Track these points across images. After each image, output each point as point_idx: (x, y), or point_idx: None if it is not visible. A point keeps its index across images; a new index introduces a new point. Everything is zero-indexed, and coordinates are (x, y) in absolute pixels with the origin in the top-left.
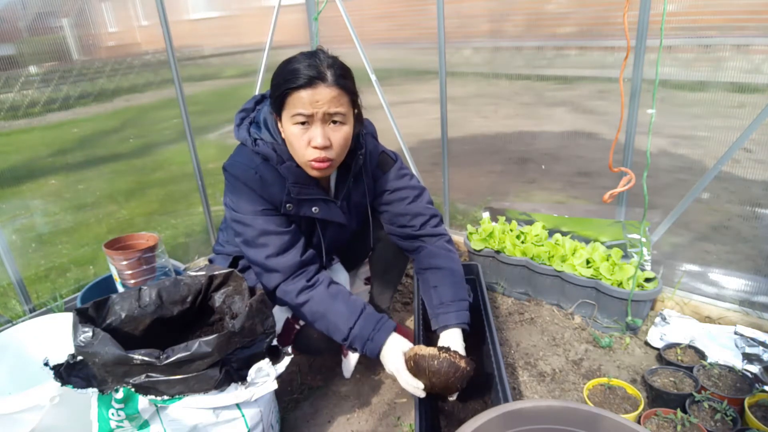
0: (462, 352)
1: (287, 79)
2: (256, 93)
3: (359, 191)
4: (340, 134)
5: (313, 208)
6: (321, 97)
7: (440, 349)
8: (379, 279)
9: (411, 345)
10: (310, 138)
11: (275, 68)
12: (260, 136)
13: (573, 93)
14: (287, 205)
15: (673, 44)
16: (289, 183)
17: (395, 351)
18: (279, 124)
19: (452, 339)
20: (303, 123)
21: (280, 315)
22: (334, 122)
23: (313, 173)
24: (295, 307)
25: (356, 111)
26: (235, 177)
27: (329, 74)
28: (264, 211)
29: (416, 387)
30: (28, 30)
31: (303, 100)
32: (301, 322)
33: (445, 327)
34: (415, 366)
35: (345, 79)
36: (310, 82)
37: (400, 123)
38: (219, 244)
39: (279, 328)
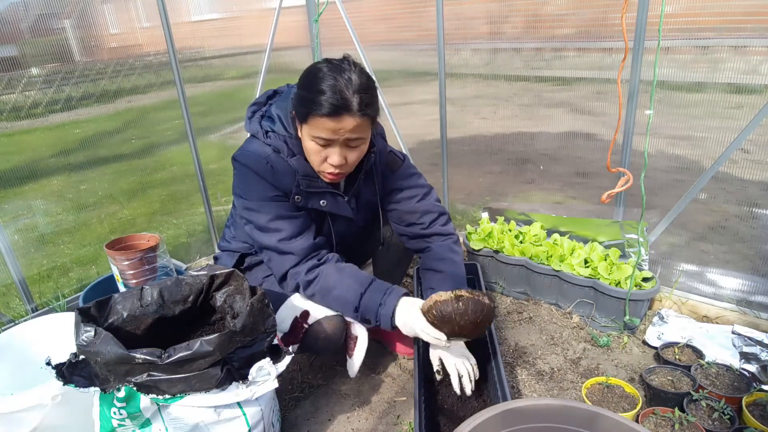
0: (452, 359)
1: (312, 101)
2: (257, 94)
3: (369, 189)
4: (356, 153)
5: (321, 201)
6: (344, 126)
7: (457, 295)
8: (382, 279)
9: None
10: (327, 155)
11: (276, 69)
12: (272, 129)
13: (571, 94)
14: (296, 197)
15: (670, 45)
16: (299, 175)
17: (411, 309)
18: (297, 124)
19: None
20: (322, 145)
21: (288, 314)
22: (352, 146)
23: (325, 180)
24: (305, 284)
25: (375, 122)
26: (245, 166)
27: (355, 103)
28: (275, 197)
29: (440, 338)
30: (30, 31)
31: (326, 127)
32: (309, 321)
33: None
34: (438, 314)
35: (368, 106)
36: (335, 113)
37: (400, 124)
38: (225, 240)
39: (287, 327)
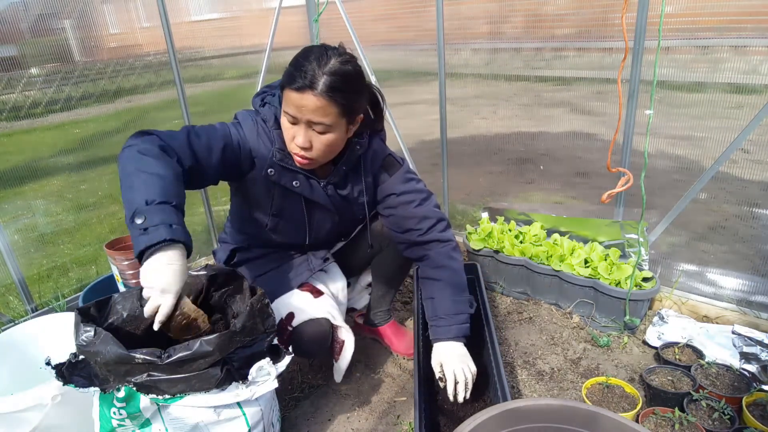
0: (452, 365)
1: (289, 75)
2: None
3: (356, 185)
4: (323, 140)
5: (294, 182)
6: (306, 104)
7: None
8: (382, 282)
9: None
10: (294, 134)
11: (276, 69)
12: (270, 102)
13: (571, 94)
14: (269, 170)
15: (670, 45)
16: (275, 147)
17: (176, 269)
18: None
19: (441, 352)
20: (291, 122)
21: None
22: (317, 130)
23: (296, 163)
24: (125, 148)
25: (353, 117)
26: (236, 117)
27: (320, 83)
28: (236, 140)
29: (159, 322)
30: (30, 31)
31: (292, 102)
32: (294, 323)
33: (436, 340)
34: (185, 323)
35: (337, 91)
36: (301, 88)
37: (400, 124)
38: (224, 232)
39: None
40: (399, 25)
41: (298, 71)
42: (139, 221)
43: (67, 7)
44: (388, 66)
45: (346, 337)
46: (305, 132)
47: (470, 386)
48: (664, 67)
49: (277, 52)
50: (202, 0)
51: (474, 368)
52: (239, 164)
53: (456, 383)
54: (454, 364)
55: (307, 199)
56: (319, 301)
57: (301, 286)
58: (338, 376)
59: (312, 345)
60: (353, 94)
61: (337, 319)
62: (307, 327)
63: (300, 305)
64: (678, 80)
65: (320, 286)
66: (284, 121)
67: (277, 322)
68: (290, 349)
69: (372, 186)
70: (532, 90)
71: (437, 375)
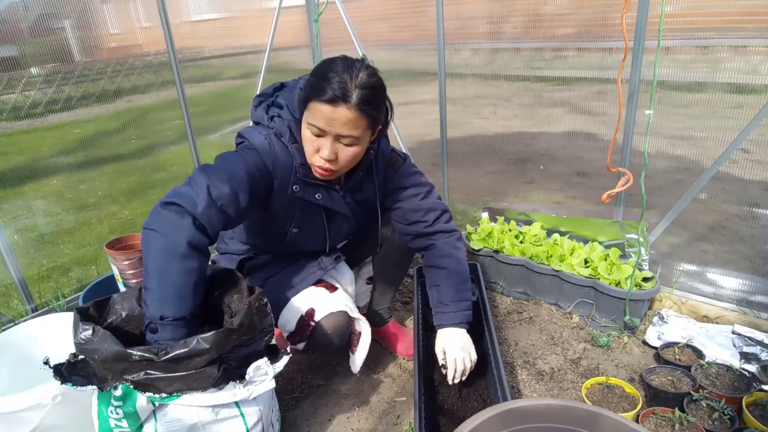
0: (454, 354)
1: (315, 87)
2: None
3: (370, 188)
4: (349, 152)
5: (317, 195)
6: (338, 117)
7: None
8: (382, 279)
9: None
10: (319, 146)
11: (276, 69)
12: (279, 114)
13: (571, 94)
14: (294, 187)
15: (671, 45)
16: (297, 163)
17: None
18: (301, 110)
19: (445, 339)
20: (316, 134)
21: (293, 314)
22: (345, 143)
23: (315, 175)
24: (151, 230)
25: (376, 128)
26: (245, 138)
27: (354, 96)
28: (258, 169)
29: None
30: (30, 31)
31: (321, 114)
32: (316, 318)
33: (440, 326)
34: None
35: (368, 105)
36: (333, 101)
37: (400, 124)
38: (223, 242)
39: (293, 326)
40: (399, 25)
41: (328, 83)
42: (151, 332)
43: (67, 6)
44: (388, 66)
45: (363, 328)
46: (332, 144)
47: (467, 373)
48: (664, 67)
49: (276, 52)
50: (202, 0)
51: (474, 356)
52: (262, 193)
53: (455, 371)
54: (456, 352)
55: (327, 210)
56: (335, 295)
57: (315, 284)
58: (355, 368)
59: (334, 338)
60: (380, 106)
61: (354, 311)
62: (329, 321)
63: (318, 301)
64: (678, 80)
65: (333, 282)
66: (307, 133)
67: (297, 320)
68: (305, 345)
69: (383, 184)
70: (532, 90)
71: (440, 362)
